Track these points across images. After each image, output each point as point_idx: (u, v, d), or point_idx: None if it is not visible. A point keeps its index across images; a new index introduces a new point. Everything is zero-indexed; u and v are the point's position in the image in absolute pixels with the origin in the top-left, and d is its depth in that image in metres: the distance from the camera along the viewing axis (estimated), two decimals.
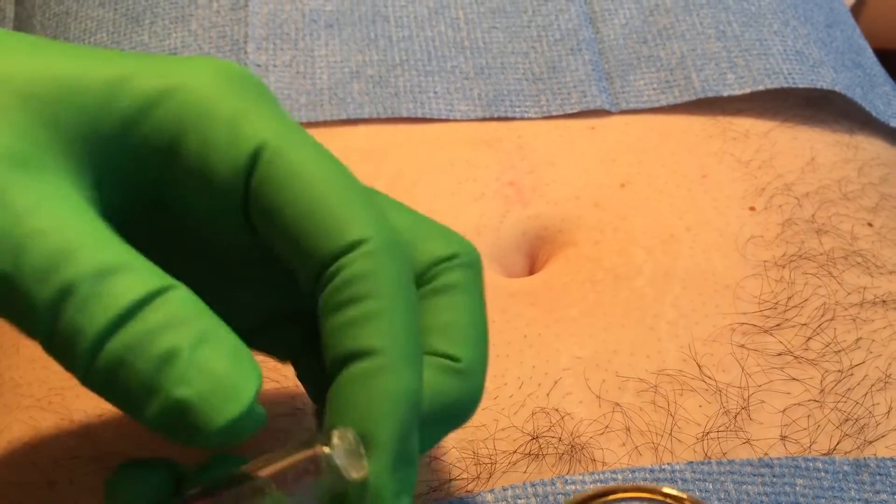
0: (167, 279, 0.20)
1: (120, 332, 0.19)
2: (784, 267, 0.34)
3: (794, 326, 0.32)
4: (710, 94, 0.38)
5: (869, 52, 0.45)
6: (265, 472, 0.20)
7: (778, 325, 0.32)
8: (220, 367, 0.19)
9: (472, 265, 0.23)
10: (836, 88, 0.39)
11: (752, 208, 0.35)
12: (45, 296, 0.19)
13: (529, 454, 0.29)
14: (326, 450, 0.20)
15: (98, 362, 0.19)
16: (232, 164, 0.22)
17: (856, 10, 0.61)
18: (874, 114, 0.40)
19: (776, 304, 0.33)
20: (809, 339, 0.32)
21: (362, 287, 0.21)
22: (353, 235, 0.21)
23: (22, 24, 0.45)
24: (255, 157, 0.22)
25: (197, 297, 0.20)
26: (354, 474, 0.20)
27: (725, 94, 0.38)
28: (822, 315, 0.32)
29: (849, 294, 0.33)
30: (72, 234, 0.20)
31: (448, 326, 0.23)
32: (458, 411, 0.23)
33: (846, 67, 0.41)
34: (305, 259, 0.21)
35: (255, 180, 0.22)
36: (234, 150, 0.22)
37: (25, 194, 0.20)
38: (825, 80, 0.39)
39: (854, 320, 0.32)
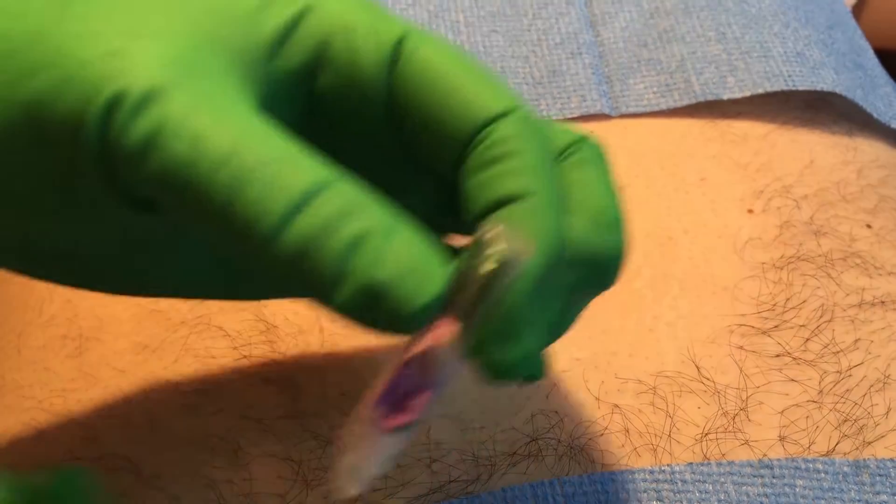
0: (342, 172, 0.20)
1: (305, 214, 0.19)
2: (782, 268, 0.34)
3: (792, 328, 0.32)
4: (711, 98, 0.38)
5: (870, 53, 0.44)
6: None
7: (776, 327, 0.32)
8: (412, 250, 0.19)
9: (599, 147, 0.24)
10: (837, 90, 0.39)
11: (750, 211, 0.35)
12: (223, 181, 0.19)
13: (529, 455, 0.29)
14: (500, 240, 0.20)
15: (282, 246, 0.19)
16: (377, 56, 0.22)
17: (857, 11, 0.61)
18: (875, 115, 0.39)
19: (774, 305, 0.33)
20: (808, 340, 0.32)
21: (511, 145, 0.21)
22: (500, 107, 0.22)
23: None
24: (397, 48, 0.23)
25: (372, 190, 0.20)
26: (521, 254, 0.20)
27: (726, 97, 0.38)
28: (821, 316, 0.32)
29: (847, 295, 0.33)
30: (246, 125, 0.20)
31: (586, 196, 0.23)
32: (605, 264, 0.23)
33: (847, 69, 0.41)
34: (452, 132, 0.22)
35: (398, 69, 0.22)
36: (378, 44, 0.22)
37: (198, 93, 0.20)
38: (826, 81, 0.39)
39: (853, 321, 0.32)
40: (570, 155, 0.24)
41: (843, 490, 0.28)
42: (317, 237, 0.19)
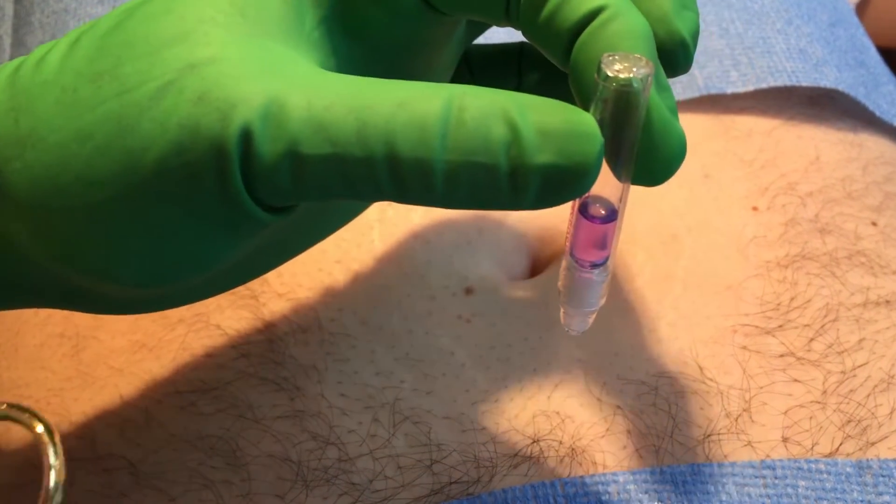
0: (442, 86, 0.21)
1: (455, 136, 0.20)
2: (787, 267, 0.33)
3: (796, 327, 0.32)
4: (714, 92, 0.38)
5: (873, 50, 0.44)
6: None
7: (780, 326, 0.32)
8: (555, 120, 0.20)
9: None
10: (840, 87, 0.39)
11: (754, 208, 0.35)
12: (374, 149, 0.20)
13: (530, 457, 0.29)
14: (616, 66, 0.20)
15: (440, 183, 0.20)
16: None
17: (860, 9, 0.61)
18: (878, 113, 0.39)
19: (779, 304, 0.32)
20: (812, 340, 0.32)
21: None
22: None
23: (21, 21, 0.45)
24: None
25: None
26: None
27: (729, 91, 0.38)
28: (825, 316, 0.32)
29: (852, 294, 0.33)
30: (349, 90, 0.20)
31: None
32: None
33: (849, 66, 0.41)
34: None
35: None
36: None
37: (300, 85, 0.20)
38: (828, 78, 0.39)
39: (857, 321, 0.32)
40: None
41: (845, 491, 0.28)
42: (473, 153, 0.20)
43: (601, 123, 0.20)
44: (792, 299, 0.32)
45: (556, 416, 0.30)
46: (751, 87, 0.38)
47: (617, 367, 0.31)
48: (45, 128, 0.21)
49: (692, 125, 0.38)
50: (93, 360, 0.32)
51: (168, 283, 0.22)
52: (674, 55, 0.23)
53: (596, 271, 0.23)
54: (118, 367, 0.32)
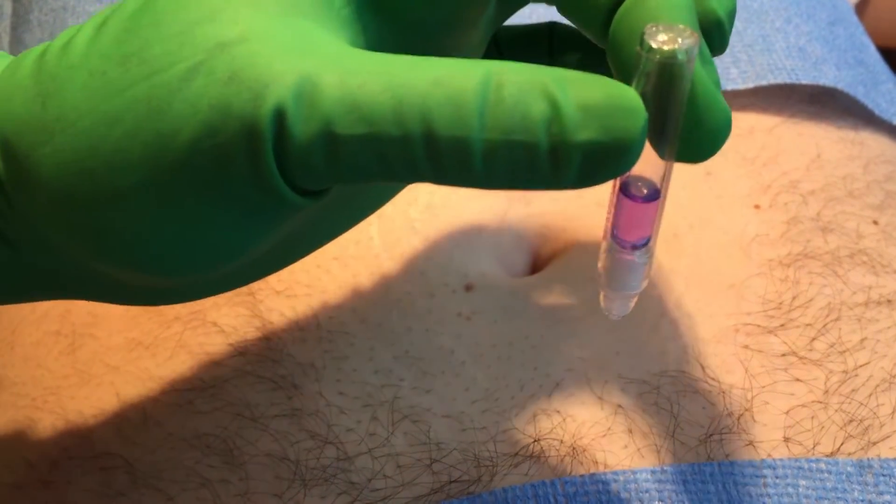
0: (478, 63, 0.20)
1: (494, 113, 0.19)
2: (789, 266, 0.33)
3: (798, 327, 0.32)
4: None
5: (872, 49, 0.44)
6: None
7: (782, 326, 0.32)
8: (596, 95, 0.19)
9: None
10: (839, 86, 0.39)
11: (756, 206, 0.35)
12: (411, 127, 0.19)
13: (531, 456, 0.28)
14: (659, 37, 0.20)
15: (479, 161, 0.19)
16: None
17: (859, 9, 0.61)
18: (877, 112, 0.39)
19: (781, 303, 0.32)
20: (814, 339, 0.31)
21: None
22: None
23: (19, 19, 0.45)
24: None
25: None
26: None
27: (729, 88, 0.38)
28: (828, 315, 0.32)
29: (854, 293, 0.33)
30: (384, 68, 0.20)
31: None
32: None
33: (849, 65, 0.41)
34: None
35: None
36: None
37: (334, 64, 0.20)
38: (827, 77, 0.39)
39: (859, 320, 0.32)
40: None
41: (846, 490, 0.28)
42: (513, 131, 0.19)
43: (644, 98, 0.20)
44: (794, 298, 0.32)
45: (557, 414, 0.29)
46: (751, 85, 0.38)
47: (618, 365, 0.31)
48: (73, 112, 0.21)
49: None
50: (89, 358, 0.32)
51: (198, 272, 0.22)
52: (708, 35, 0.22)
53: (638, 253, 0.22)
54: (115, 364, 0.32)
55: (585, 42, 0.27)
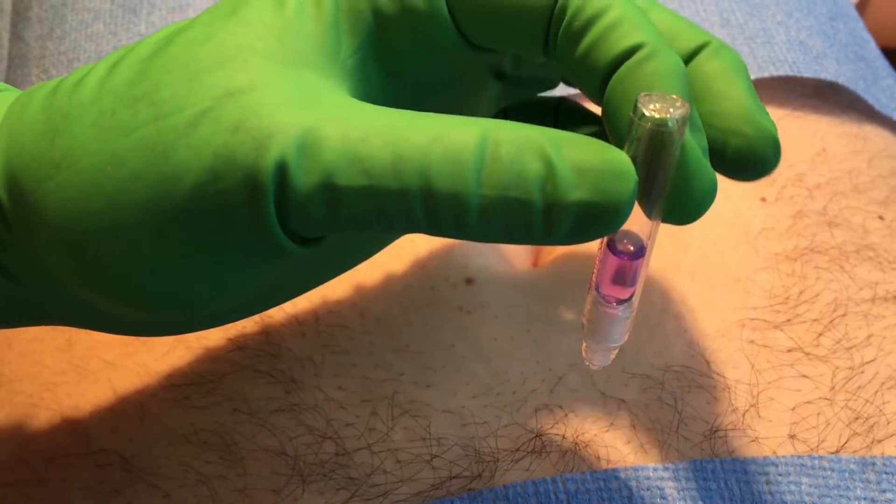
0: (477, 121, 0.21)
1: (491, 169, 0.20)
2: (796, 260, 0.33)
3: (805, 322, 0.31)
4: None
5: (872, 44, 0.44)
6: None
7: (789, 321, 0.31)
8: (587, 154, 0.20)
9: (729, 49, 0.24)
10: (839, 80, 0.39)
11: (763, 199, 0.35)
12: (409, 179, 0.20)
13: (532, 452, 0.28)
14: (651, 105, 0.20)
15: (485, 205, 0.20)
16: None
17: (859, 9, 0.61)
18: (877, 107, 0.39)
19: (787, 298, 0.32)
20: (820, 335, 0.31)
21: (597, 3, 0.22)
22: None
23: (19, 16, 0.44)
24: None
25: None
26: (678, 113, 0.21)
27: None
28: (834, 311, 0.32)
29: (860, 289, 0.32)
30: (384, 122, 0.20)
31: (674, 32, 0.24)
32: (748, 72, 0.24)
33: (849, 60, 0.41)
34: (531, 8, 0.22)
35: None
36: None
37: (334, 116, 0.21)
38: (828, 71, 0.39)
39: (865, 316, 0.32)
40: (702, 52, 0.24)
41: (848, 488, 0.28)
42: (508, 187, 0.20)
43: (634, 161, 0.20)
44: (801, 293, 0.32)
45: (559, 410, 0.29)
46: (752, 76, 0.38)
47: (622, 360, 0.30)
48: (80, 150, 0.21)
49: None
50: (86, 354, 0.32)
51: (190, 311, 0.22)
52: (764, 152, 0.23)
53: (621, 307, 0.23)
54: (111, 360, 0.31)
55: (591, 118, 0.28)
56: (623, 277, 0.22)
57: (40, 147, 0.22)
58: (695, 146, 0.21)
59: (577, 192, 0.20)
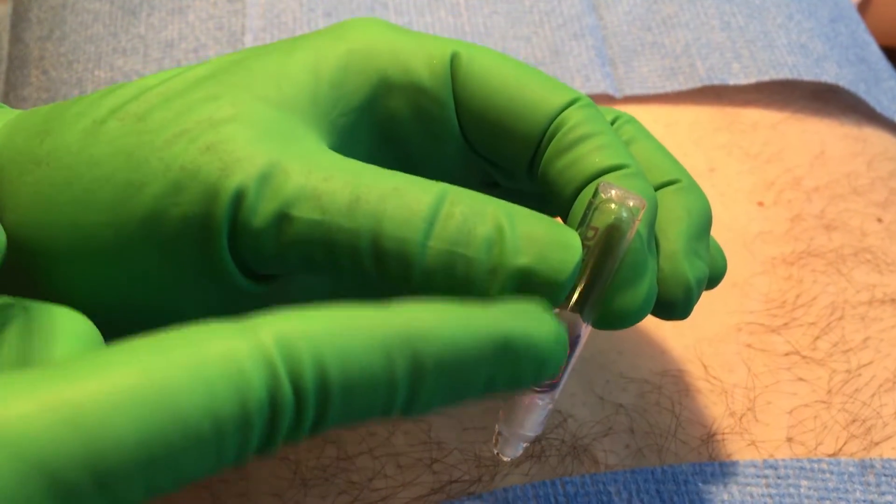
0: (439, 183, 0.22)
1: (441, 228, 0.21)
2: (793, 264, 0.33)
3: (802, 325, 0.31)
4: (716, 83, 0.38)
5: (874, 46, 0.44)
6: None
7: (786, 324, 0.31)
8: (539, 227, 0.21)
9: (696, 191, 0.25)
10: (840, 83, 0.39)
11: (760, 203, 0.35)
12: (361, 223, 0.21)
13: (532, 456, 0.28)
14: (610, 190, 0.22)
15: (429, 261, 0.21)
16: (435, 74, 0.24)
17: (861, 9, 0.61)
18: (878, 109, 0.39)
19: (784, 302, 0.32)
20: (817, 338, 0.31)
21: (588, 128, 0.24)
22: (565, 98, 0.24)
23: (19, 17, 0.44)
24: (453, 63, 0.24)
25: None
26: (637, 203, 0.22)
27: (731, 82, 0.38)
28: (831, 314, 0.32)
29: (858, 292, 0.33)
30: (352, 170, 0.21)
31: (651, 164, 0.25)
32: (706, 218, 0.25)
33: (850, 62, 0.41)
34: (526, 127, 0.24)
35: (459, 82, 0.24)
36: (433, 63, 0.24)
37: (300, 156, 0.22)
38: (829, 74, 0.39)
39: (863, 319, 0.32)
40: (669, 187, 0.25)
41: (847, 490, 0.28)
42: (457, 244, 0.21)
43: (583, 244, 0.21)
44: (798, 297, 0.32)
45: (558, 414, 0.29)
46: (753, 80, 0.38)
47: (620, 364, 0.30)
48: (63, 150, 0.22)
49: (698, 117, 0.38)
50: None
51: (139, 322, 0.23)
52: (674, 294, 0.23)
53: (541, 395, 0.23)
54: None
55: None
56: None
57: (30, 144, 0.23)
58: (643, 250, 0.22)
59: (522, 258, 0.20)
